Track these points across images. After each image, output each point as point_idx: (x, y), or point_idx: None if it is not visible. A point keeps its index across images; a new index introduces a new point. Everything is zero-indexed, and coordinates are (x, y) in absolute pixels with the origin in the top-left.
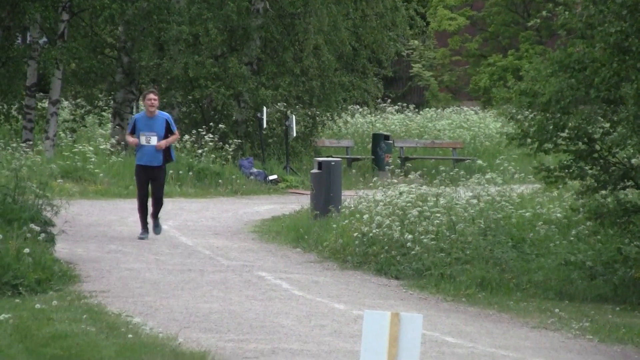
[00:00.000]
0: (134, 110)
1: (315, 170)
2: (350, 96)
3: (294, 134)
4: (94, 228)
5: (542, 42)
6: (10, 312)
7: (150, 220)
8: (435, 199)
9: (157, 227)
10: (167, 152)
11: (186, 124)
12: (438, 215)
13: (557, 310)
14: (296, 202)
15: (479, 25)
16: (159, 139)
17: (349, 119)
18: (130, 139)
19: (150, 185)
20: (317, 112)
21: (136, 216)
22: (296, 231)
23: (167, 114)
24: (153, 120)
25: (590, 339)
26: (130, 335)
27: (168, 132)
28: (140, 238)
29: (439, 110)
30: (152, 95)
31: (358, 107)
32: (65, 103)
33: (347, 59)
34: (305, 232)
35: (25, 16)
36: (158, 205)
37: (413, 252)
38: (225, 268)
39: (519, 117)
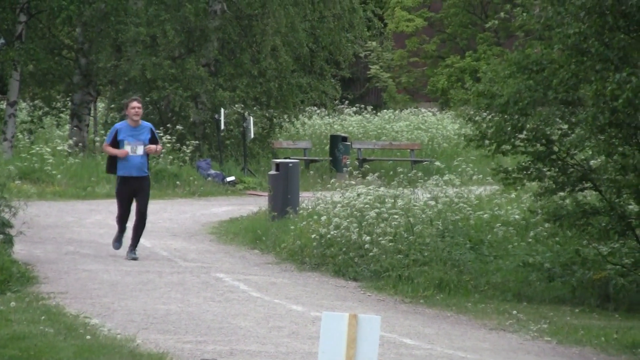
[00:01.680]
0: (92, 111)
1: (273, 172)
2: (307, 98)
3: (252, 136)
4: (52, 229)
5: (500, 43)
6: None
7: (126, 237)
8: (393, 200)
9: (134, 252)
10: (147, 162)
11: None
12: (396, 216)
13: (515, 312)
14: (254, 204)
15: (436, 27)
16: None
17: (306, 120)
18: (115, 150)
19: (135, 199)
20: (275, 114)
21: (94, 217)
22: (254, 233)
23: (149, 123)
24: (138, 130)
25: (548, 340)
26: (88, 337)
27: (152, 141)
28: (115, 248)
29: (397, 111)
30: (136, 104)
31: (316, 108)
32: (23, 104)
33: (304, 61)
34: (263, 234)
35: None
36: (141, 224)
37: (371, 254)
38: (183, 269)
39: (477, 118)
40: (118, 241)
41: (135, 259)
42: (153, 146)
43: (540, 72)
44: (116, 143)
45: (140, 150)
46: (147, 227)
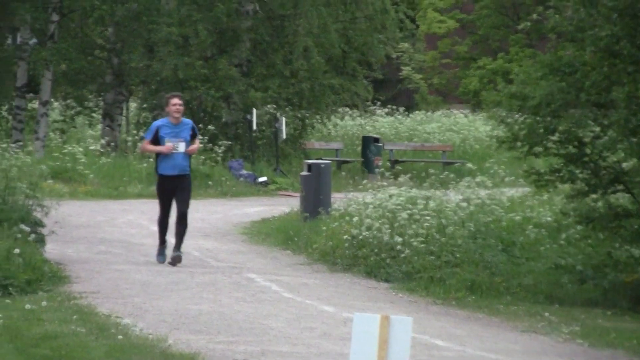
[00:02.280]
0: (124, 111)
1: (304, 173)
2: (339, 99)
3: (284, 136)
4: (83, 229)
5: (532, 45)
6: (0, 313)
7: (170, 242)
8: (424, 201)
9: (177, 260)
10: (189, 160)
11: None
12: (428, 218)
13: (546, 314)
14: (286, 204)
15: (468, 28)
16: (187, 145)
17: (338, 121)
18: (156, 147)
19: (175, 199)
20: (307, 115)
21: (125, 217)
22: (286, 233)
23: (190, 120)
24: (179, 127)
25: (580, 343)
26: (120, 336)
27: (193, 139)
28: (160, 262)
29: (429, 113)
30: (177, 100)
31: (347, 109)
32: (55, 104)
33: (336, 62)
34: (294, 234)
35: (15, 17)
36: (182, 226)
37: (403, 255)
38: (214, 270)
39: (508, 120)
40: (161, 254)
41: (161, 262)
42: (194, 146)
43: (572, 74)
44: (157, 141)
45: (181, 147)
46: None
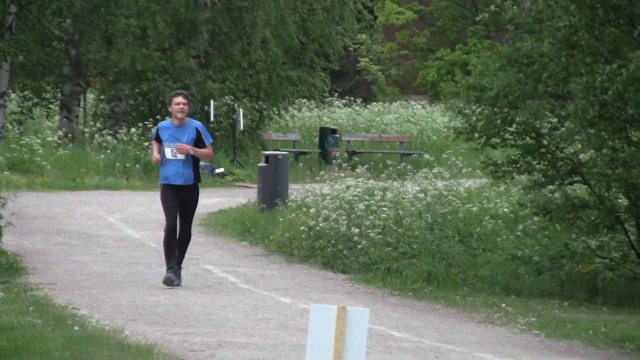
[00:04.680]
0: (81, 102)
1: (262, 164)
2: (297, 90)
3: (242, 128)
4: (41, 220)
5: (490, 36)
6: None
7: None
8: (382, 193)
9: (178, 278)
10: (195, 169)
11: (133, 117)
12: (385, 209)
13: (503, 305)
14: (243, 196)
15: (426, 20)
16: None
17: (296, 112)
18: (154, 152)
19: (179, 212)
20: (265, 106)
21: (83, 209)
22: (243, 225)
23: (198, 122)
24: (181, 130)
25: (536, 334)
26: (76, 328)
27: (199, 144)
28: (166, 278)
29: (387, 104)
30: (180, 99)
31: (305, 101)
32: (13, 95)
33: (294, 53)
34: (252, 226)
35: None
36: (185, 242)
37: (360, 246)
38: None
39: (466, 111)
40: (171, 269)
41: (177, 283)
42: (188, 146)
43: (530, 65)
44: (161, 142)
45: (181, 153)
46: (136, 218)
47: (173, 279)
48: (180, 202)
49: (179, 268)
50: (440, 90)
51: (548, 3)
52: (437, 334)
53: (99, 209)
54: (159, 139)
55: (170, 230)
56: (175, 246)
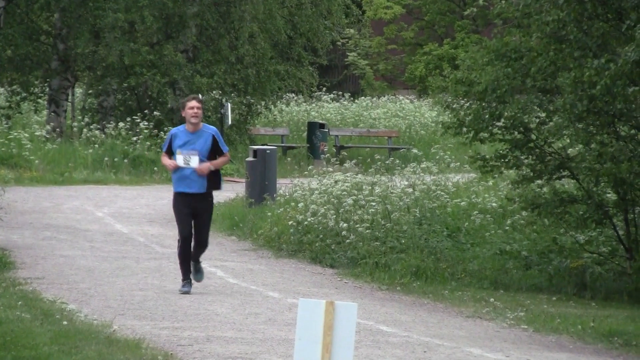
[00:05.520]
0: (69, 97)
1: (250, 159)
2: (285, 84)
3: (230, 122)
4: (29, 215)
5: (478, 31)
6: None
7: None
8: (370, 187)
9: (198, 273)
10: (214, 176)
11: (121, 111)
12: (373, 204)
13: (492, 299)
14: (231, 190)
15: (414, 14)
16: (201, 160)
17: (284, 107)
18: (167, 161)
19: (194, 222)
20: (253, 100)
21: (71, 203)
22: (231, 219)
23: (214, 128)
24: (196, 136)
25: (525, 328)
26: (65, 322)
27: (215, 152)
28: (183, 292)
29: (375, 98)
30: (195, 103)
31: (293, 95)
32: (1, 90)
33: (282, 47)
34: (240, 220)
35: None
36: (202, 248)
37: (348, 241)
38: (160, 255)
39: (454, 106)
40: (186, 286)
41: (187, 292)
42: (206, 164)
43: (518, 59)
44: (172, 153)
45: (194, 161)
46: (124, 213)
47: (190, 292)
48: (193, 212)
49: (197, 263)
50: (428, 84)
51: None
52: (426, 328)
53: (87, 204)
54: (170, 150)
55: (184, 241)
56: (190, 257)
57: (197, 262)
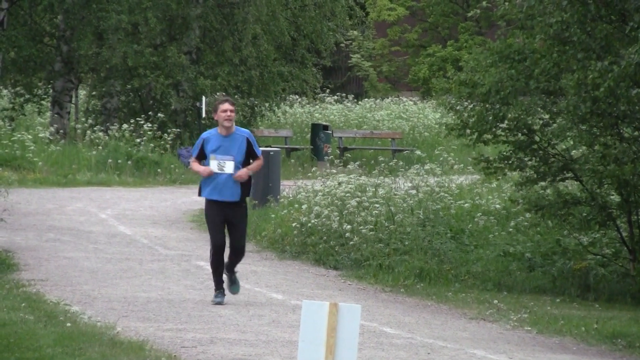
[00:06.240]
0: (73, 98)
1: None
2: (289, 86)
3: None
4: (32, 217)
5: (481, 32)
6: None
7: (225, 276)
8: (374, 189)
9: (233, 285)
10: (246, 182)
11: (125, 113)
12: (377, 205)
13: (495, 301)
14: None
15: (418, 16)
16: (236, 165)
17: (287, 109)
18: (199, 167)
19: (228, 229)
20: (256, 102)
21: (75, 205)
22: None
23: (248, 131)
24: (229, 140)
25: (528, 330)
26: (68, 324)
27: (249, 155)
28: (216, 303)
29: (378, 100)
30: (227, 105)
31: (297, 97)
32: (4, 91)
33: (286, 49)
34: None
35: None
36: (238, 257)
37: (352, 243)
38: (163, 257)
39: (458, 107)
40: (219, 296)
41: (219, 303)
42: (244, 170)
43: (522, 61)
44: (204, 156)
45: (229, 167)
46: (128, 214)
47: (223, 303)
48: (227, 220)
49: (233, 274)
50: (431, 86)
51: None
52: (429, 330)
53: (90, 205)
54: (201, 155)
55: (216, 250)
56: (224, 266)
57: (233, 273)
